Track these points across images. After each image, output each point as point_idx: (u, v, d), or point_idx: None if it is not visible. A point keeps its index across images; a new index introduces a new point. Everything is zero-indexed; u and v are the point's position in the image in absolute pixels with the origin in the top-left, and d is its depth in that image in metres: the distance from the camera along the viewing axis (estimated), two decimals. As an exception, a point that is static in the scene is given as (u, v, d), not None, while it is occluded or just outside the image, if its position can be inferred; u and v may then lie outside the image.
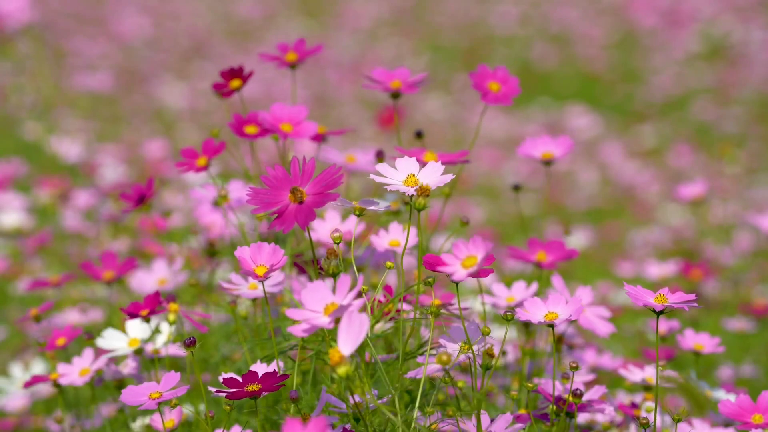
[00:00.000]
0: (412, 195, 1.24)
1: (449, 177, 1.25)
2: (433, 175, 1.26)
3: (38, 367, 1.85)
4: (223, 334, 1.81)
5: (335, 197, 1.19)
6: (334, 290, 1.15)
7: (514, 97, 1.54)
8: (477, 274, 1.21)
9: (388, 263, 1.31)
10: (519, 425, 1.30)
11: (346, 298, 1.14)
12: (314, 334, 1.36)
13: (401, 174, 1.26)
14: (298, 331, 1.14)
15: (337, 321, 1.12)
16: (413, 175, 1.25)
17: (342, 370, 1.08)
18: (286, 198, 1.20)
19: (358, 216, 1.30)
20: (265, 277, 1.24)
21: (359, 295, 1.16)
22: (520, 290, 1.56)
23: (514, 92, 1.55)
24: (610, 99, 6.47)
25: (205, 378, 1.72)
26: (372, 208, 1.29)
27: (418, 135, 1.57)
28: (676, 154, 5.31)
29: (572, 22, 7.77)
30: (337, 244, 1.24)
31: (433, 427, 1.27)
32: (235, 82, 1.53)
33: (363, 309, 1.29)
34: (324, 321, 1.13)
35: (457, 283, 1.23)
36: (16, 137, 4.57)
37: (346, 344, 1.08)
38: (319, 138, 1.57)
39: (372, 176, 1.25)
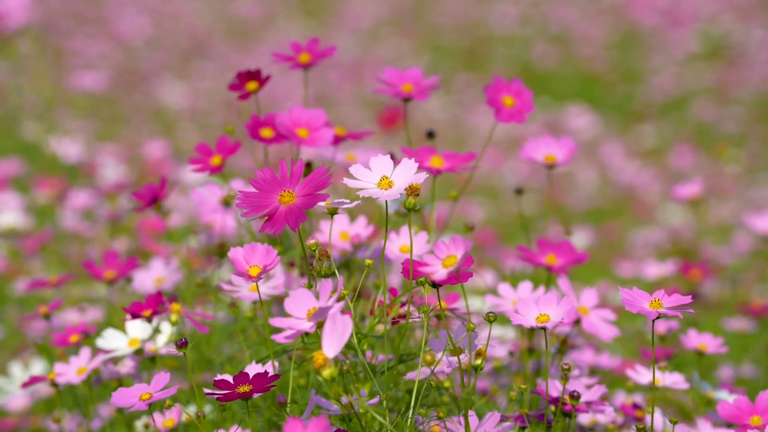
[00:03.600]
0: (386, 202, 1.20)
1: (423, 176, 1.20)
2: (407, 174, 1.21)
3: (37, 367, 1.85)
4: (226, 334, 1.81)
5: (325, 198, 1.18)
6: (317, 296, 1.15)
7: (527, 114, 1.50)
8: (458, 274, 1.20)
9: (368, 261, 1.29)
10: (507, 424, 1.29)
11: (328, 301, 1.13)
12: (314, 334, 1.36)
13: (375, 175, 1.22)
14: (280, 338, 1.14)
15: (320, 325, 1.12)
16: (386, 177, 1.21)
17: (326, 373, 1.07)
18: (276, 200, 1.19)
19: (332, 216, 1.28)
20: (258, 277, 1.23)
21: (340, 298, 1.16)
22: (526, 292, 1.53)
23: (528, 109, 1.50)
24: (610, 99, 6.47)
25: (208, 378, 1.71)
26: (346, 206, 1.27)
27: (430, 135, 1.55)
28: (676, 154, 5.31)
29: (572, 22, 7.77)
30: (314, 250, 1.23)
31: (434, 429, 1.26)
32: (252, 85, 1.52)
33: (346, 310, 1.28)
34: (306, 326, 1.13)
35: (438, 285, 1.21)
36: (16, 137, 4.57)
37: (330, 347, 1.08)
38: (336, 140, 1.54)
39: (345, 180, 1.22)
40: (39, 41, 5.82)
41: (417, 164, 1.22)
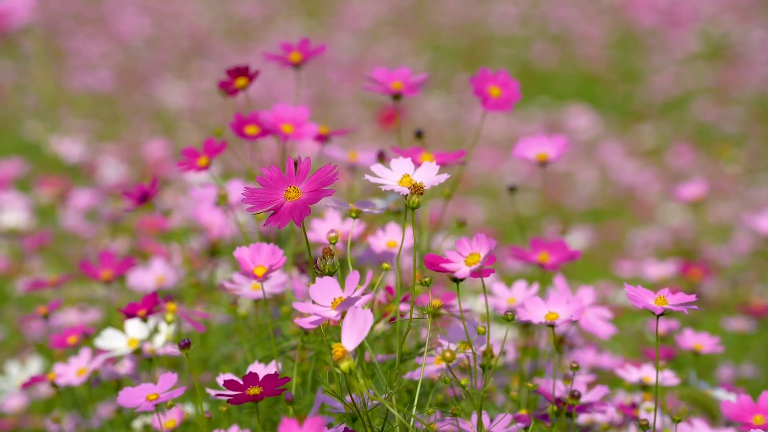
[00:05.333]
0: (407, 194, 1.24)
1: (444, 177, 1.24)
2: (428, 174, 1.25)
3: (35, 366, 1.85)
4: (223, 333, 1.81)
5: (330, 193, 1.20)
6: (342, 286, 1.16)
7: (514, 102, 1.54)
8: (480, 272, 1.22)
9: (385, 265, 1.31)
10: (519, 425, 1.30)
11: (354, 292, 1.15)
12: (313, 334, 1.36)
13: (396, 174, 1.25)
14: (305, 323, 1.16)
15: (342, 316, 1.13)
16: (408, 176, 1.25)
17: (345, 365, 1.08)
18: (281, 196, 1.21)
19: (355, 218, 1.30)
20: (264, 277, 1.24)
21: (367, 290, 1.18)
22: (521, 290, 1.55)
23: (515, 98, 1.54)
24: (610, 99, 6.47)
25: (205, 378, 1.72)
26: (367, 210, 1.29)
27: (418, 135, 1.57)
28: (676, 154, 5.31)
29: (572, 22, 7.77)
30: (333, 244, 1.25)
31: (432, 426, 1.27)
32: (241, 81, 1.53)
33: (368, 305, 1.30)
34: (331, 314, 1.15)
35: (458, 282, 1.24)
36: (18, 137, 4.57)
37: (350, 339, 1.09)
38: (322, 138, 1.57)
39: (366, 176, 1.25)
40: (40, 41, 5.82)
41: (439, 165, 1.25)
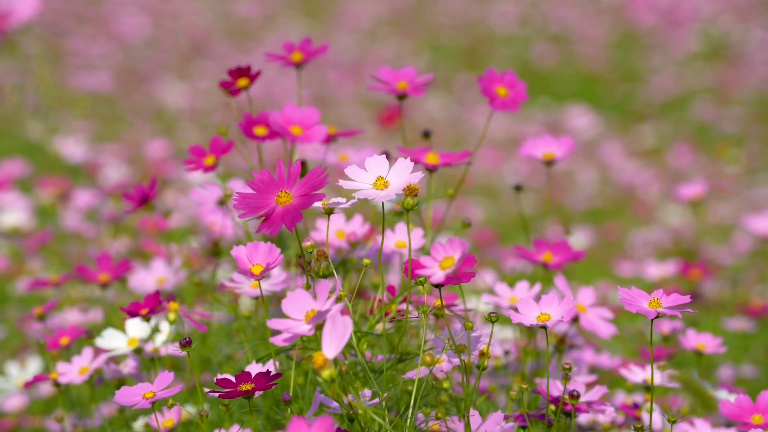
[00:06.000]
0: (382, 202, 1.20)
1: (419, 175, 1.20)
2: (402, 174, 1.21)
3: (34, 366, 1.85)
4: (224, 333, 1.81)
5: (321, 197, 1.18)
6: (314, 296, 1.14)
7: (521, 103, 1.54)
8: (456, 277, 1.19)
9: (365, 260, 1.29)
10: (509, 425, 1.29)
11: (326, 303, 1.13)
12: (314, 335, 1.36)
13: (371, 176, 1.22)
14: (279, 341, 1.13)
15: (319, 327, 1.12)
16: (382, 177, 1.21)
17: (326, 374, 1.07)
18: (273, 201, 1.20)
19: (328, 215, 1.28)
20: (261, 275, 1.23)
21: (339, 299, 1.16)
22: (523, 290, 1.55)
23: (522, 98, 1.54)
24: (610, 99, 6.47)
25: (207, 378, 1.72)
26: (343, 206, 1.27)
27: (426, 135, 1.56)
28: (676, 154, 5.31)
29: (572, 21, 7.77)
30: (310, 252, 1.23)
31: (434, 427, 1.27)
32: (243, 81, 1.53)
33: (345, 311, 1.28)
34: (305, 329, 1.13)
35: (439, 287, 1.21)
36: (19, 137, 4.57)
37: (329, 348, 1.08)
38: (328, 139, 1.56)
39: (340, 182, 1.22)
40: (40, 41, 5.82)
41: (412, 163, 1.22)
